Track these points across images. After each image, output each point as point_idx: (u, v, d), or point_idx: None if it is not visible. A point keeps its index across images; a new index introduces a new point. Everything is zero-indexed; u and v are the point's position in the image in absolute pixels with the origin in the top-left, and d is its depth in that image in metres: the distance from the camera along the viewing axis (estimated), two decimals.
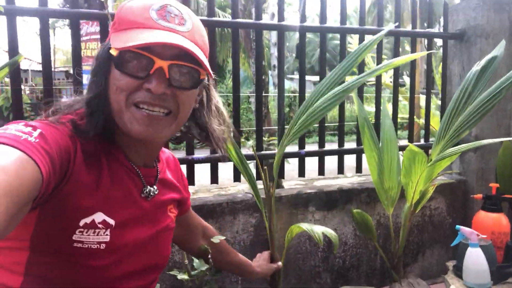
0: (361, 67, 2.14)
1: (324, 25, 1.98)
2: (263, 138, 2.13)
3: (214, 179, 1.85)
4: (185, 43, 0.72)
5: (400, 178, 1.65)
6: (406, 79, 6.16)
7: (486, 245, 1.58)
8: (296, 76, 2.17)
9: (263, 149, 1.95)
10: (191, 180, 1.79)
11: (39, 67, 1.55)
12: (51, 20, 2.02)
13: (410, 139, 2.30)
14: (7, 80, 9.51)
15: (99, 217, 0.75)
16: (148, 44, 0.69)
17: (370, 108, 6.27)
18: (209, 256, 1.20)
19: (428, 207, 2.10)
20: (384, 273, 2.01)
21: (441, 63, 2.32)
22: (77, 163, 0.71)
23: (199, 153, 1.79)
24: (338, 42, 2.08)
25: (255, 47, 1.95)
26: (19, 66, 1.45)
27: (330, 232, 1.32)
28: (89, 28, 9.18)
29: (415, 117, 2.36)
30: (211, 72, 0.79)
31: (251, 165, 1.53)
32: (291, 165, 2.22)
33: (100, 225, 0.75)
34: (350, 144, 2.14)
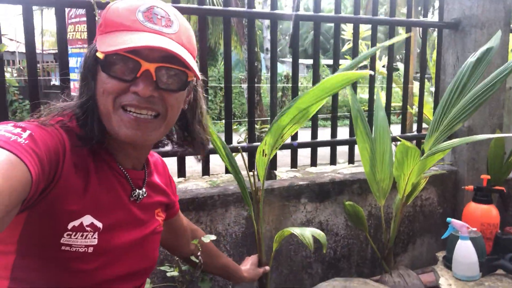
0: (355, 54, 2.12)
1: (319, 14, 1.94)
2: (255, 126, 2.11)
3: (206, 171, 1.83)
4: (171, 46, 0.71)
5: (392, 170, 1.64)
6: (400, 66, 6.15)
7: (476, 237, 1.60)
8: (290, 59, 2.16)
9: (256, 139, 1.93)
10: (182, 172, 1.77)
11: None
12: None
13: (403, 130, 2.29)
14: None
15: (87, 220, 0.74)
16: (134, 47, 0.68)
17: (362, 95, 6.27)
18: (199, 254, 1.19)
19: (419, 198, 2.10)
20: (375, 263, 2.03)
21: (436, 52, 2.30)
22: (66, 166, 0.70)
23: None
24: (332, 24, 2.05)
25: (247, 37, 1.91)
26: (2, 56, 1.40)
27: (318, 233, 1.32)
28: (79, 10, 8.98)
29: (408, 106, 2.34)
30: (199, 74, 0.78)
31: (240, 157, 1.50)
32: (283, 151, 2.21)
33: (88, 228, 0.74)
34: (342, 130, 2.13)
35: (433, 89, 2.48)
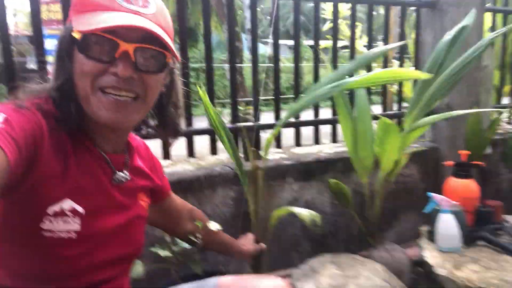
0: (335, 33, 2.13)
1: None
2: (239, 108, 2.12)
3: (191, 152, 1.84)
4: (150, 26, 0.70)
5: (374, 148, 1.68)
6: (381, 45, 6.17)
7: (457, 211, 1.65)
8: (271, 40, 2.15)
9: (239, 120, 1.95)
10: (167, 154, 1.78)
11: None
12: None
13: (384, 109, 2.33)
14: None
15: (67, 204, 0.73)
16: (113, 27, 0.67)
17: None
18: (197, 235, 1.20)
19: (402, 175, 2.16)
20: (361, 238, 2.08)
21: (415, 32, 2.33)
22: (43, 150, 0.69)
23: None
24: (313, 4, 2.04)
25: (227, 16, 1.90)
26: None
27: (313, 213, 1.37)
28: None
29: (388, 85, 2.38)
30: (177, 55, 0.77)
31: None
32: (267, 132, 2.22)
33: (69, 213, 0.73)
34: (325, 110, 2.15)
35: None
